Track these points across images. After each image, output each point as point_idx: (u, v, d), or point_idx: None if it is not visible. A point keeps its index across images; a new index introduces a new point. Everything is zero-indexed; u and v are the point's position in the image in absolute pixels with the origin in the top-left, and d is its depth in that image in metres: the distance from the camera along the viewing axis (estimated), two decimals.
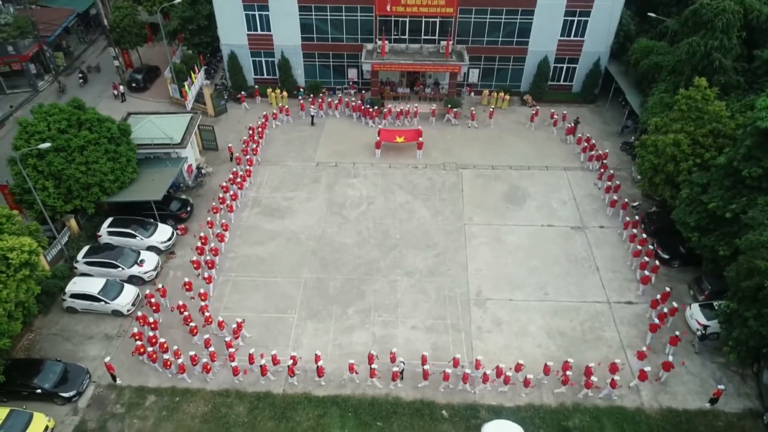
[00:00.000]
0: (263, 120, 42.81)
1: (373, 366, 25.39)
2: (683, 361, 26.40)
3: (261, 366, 25.49)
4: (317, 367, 25.43)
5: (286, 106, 44.24)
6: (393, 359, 25.87)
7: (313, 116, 43.73)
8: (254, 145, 40.31)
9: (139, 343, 26.41)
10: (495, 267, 31.80)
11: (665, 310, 27.92)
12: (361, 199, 36.63)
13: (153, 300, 28.48)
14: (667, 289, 28.95)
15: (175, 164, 35.54)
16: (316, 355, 25.83)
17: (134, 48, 49.84)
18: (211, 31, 46.38)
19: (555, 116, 42.38)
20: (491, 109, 43.67)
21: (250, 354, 25.93)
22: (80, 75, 49.84)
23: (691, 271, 31.00)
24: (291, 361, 25.58)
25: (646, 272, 29.97)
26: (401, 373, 25.78)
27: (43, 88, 49.28)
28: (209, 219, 33.63)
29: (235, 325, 27.30)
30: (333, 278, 31.19)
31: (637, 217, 33.84)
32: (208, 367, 26.03)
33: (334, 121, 44.40)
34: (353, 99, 45.20)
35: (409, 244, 33.29)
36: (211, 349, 26.10)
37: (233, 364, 25.68)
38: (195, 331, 27.41)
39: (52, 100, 42.64)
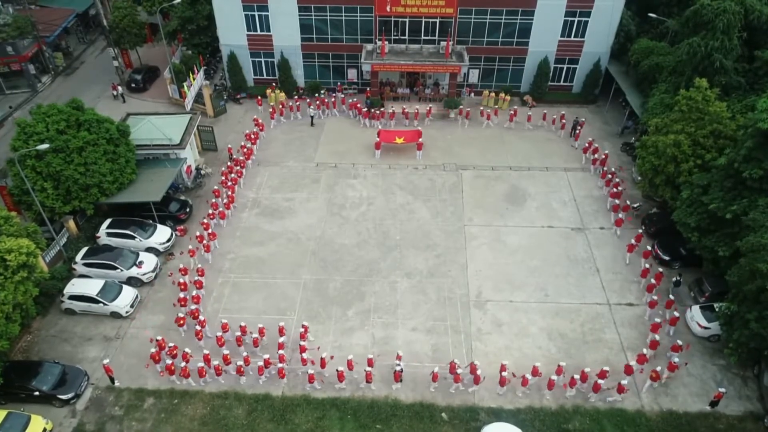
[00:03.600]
0: (263, 119, 42.77)
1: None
2: (686, 362, 26.34)
3: (338, 372, 25.19)
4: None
5: (288, 103, 44.20)
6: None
7: (312, 117, 43.63)
8: (248, 149, 39.53)
9: (153, 350, 25.96)
10: (495, 268, 31.71)
11: (665, 316, 27.97)
12: (361, 200, 36.54)
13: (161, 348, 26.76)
14: (671, 297, 28.82)
15: (174, 165, 35.46)
16: (368, 359, 25.71)
17: (134, 48, 49.76)
18: (210, 31, 46.30)
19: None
20: (493, 110, 43.45)
21: (322, 359, 25.67)
22: None
23: (691, 273, 30.90)
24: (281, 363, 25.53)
25: (652, 280, 29.71)
26: (400, 373, 25.74)
27: (42, 89, 49.18)
28: (187, 260, 31.51)
29: (302, 329, 27.00)
30: (333, 279, 31.10)
31: (631, 204, 34.18)
32: (242, 370, 25.76)
33: (334, 121, 44.30)
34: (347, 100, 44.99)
35: (409, 244, 33.19)
36: (281, 352, 25.79)
37: (310, 371, 25.42)
38: (200, 335, 27.10)
39: None
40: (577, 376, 24.91)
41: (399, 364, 25.65)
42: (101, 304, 28.55)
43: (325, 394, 25.62)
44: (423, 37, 43.82)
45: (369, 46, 43.88)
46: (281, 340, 26.51)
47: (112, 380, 25.98)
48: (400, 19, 43.09)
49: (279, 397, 25.52)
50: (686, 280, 30.67)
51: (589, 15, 42.25)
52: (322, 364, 25.62)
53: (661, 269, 30.48)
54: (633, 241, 32.02)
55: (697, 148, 29.81)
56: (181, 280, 29.46)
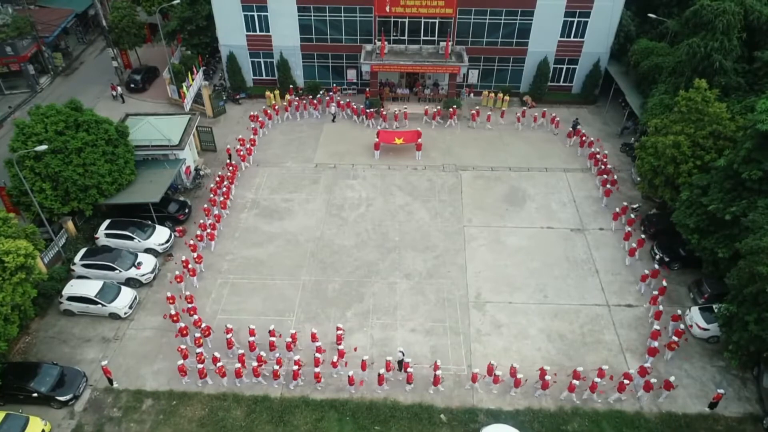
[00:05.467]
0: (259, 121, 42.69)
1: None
2: (686, 338, 26.98)
3: (379, 375, 25.17)
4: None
5: (285, 101, 44.14)
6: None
7: (334, 114, 43.58)
8: (245, 152, 39.16)
9: (180, 362, 25.50)
10: (494, 269, 31.67)
11: (661, 308, 28.25)
12: (360, 201, 36.49)
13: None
14: (664, 283, 29.15)
15: (173, 166, 35.41)
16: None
17: (133, 48, 49.70)
18: (210, 31, 46.28)
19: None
20: (502, 110, 43.54)
21: (363, 361, 25.52)
22: None
23: (690, 274, 30.88)
24: (296, 366, 25.41)
25: (633, 244, 31.13)
26: (399, 363, 25.74)
27: (41, 89, 49.10)
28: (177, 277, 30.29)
29: (340, 332, 26.85)
30: (332, 280, 31.05)
31: (632, 216, 34.23)
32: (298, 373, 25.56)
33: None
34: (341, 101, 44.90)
35: (409, 246, 33.14)
36: (317, 355, 25.69)
37: (350, 372, 25.23)
38: (231, 344, 26.81)
39: None
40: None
41: (401, 353, 25.83)
42: (100, 306, 28.50)
43: (324, 395, 25.58)
44: (422, 38, 43.79)
45: (368, 47, 43.84)
46: (317, 344, 26.28)
47: (110, 381, 25.93)
48: (400, 20, 43.05)
49: (278, 399, 25.48)
50: (686, 282, 30.69)
51: (588, 15, 42.22)
52: (363, 367, 25.47)
53: (643, 236, 32.07)
54: (617, 210, 33.64)
55: (696, 149, 29.76)
56: (172, 312, 27.89)
